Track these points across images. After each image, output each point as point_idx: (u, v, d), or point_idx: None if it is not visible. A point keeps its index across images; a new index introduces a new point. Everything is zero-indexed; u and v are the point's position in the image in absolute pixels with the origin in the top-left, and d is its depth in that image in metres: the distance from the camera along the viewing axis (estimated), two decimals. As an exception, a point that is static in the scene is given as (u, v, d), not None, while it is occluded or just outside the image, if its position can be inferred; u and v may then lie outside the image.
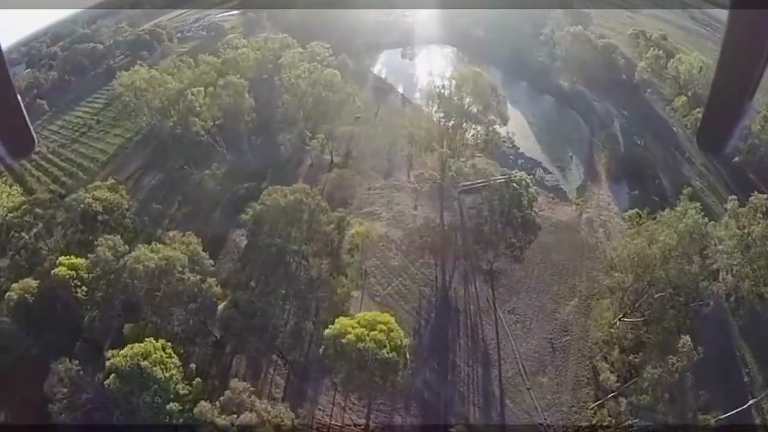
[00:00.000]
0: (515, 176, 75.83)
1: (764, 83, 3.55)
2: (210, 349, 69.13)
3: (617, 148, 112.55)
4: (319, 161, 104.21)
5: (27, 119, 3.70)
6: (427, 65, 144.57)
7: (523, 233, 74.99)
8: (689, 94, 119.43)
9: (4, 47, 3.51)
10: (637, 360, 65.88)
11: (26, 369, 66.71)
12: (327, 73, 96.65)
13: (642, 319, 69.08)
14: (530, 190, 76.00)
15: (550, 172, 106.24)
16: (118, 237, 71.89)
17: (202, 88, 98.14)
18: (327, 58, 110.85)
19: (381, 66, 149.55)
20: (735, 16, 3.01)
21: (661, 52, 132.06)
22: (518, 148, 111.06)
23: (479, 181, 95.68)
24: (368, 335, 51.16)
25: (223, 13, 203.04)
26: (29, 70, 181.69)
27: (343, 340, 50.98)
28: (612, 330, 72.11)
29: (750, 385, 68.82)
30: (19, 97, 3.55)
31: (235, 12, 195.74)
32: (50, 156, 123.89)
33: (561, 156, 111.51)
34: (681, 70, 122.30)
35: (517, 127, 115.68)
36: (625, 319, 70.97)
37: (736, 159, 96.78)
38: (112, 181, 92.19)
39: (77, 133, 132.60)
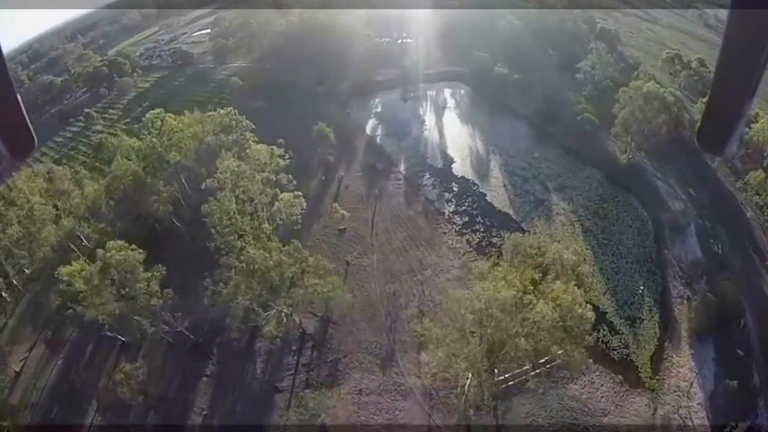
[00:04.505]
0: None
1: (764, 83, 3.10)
2: None
3: (697, 277, 66.48)
4: (285, 331, 56.30)
5: (27, 119, 3.14)
6: (434, 119, 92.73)
7: None
8: (765, 164, 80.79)
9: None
10: None
11: None
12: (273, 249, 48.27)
13: None
14: None
15: (617, 331, 60.57)
16: None
17: (77, 267, 50.86)
18: (282, 165, 63.57)
19: (376, 121, 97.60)
20: (735, 16, 2.60)
21: None
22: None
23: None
24: None
25: (199, 31, 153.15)
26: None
27: None
28: None
29: None
30: (19, 97, 3.01)
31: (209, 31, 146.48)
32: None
33: (629, 293, 65.10)
34: (755, 130, 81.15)
35: (567, 236, 70.93)
36: None
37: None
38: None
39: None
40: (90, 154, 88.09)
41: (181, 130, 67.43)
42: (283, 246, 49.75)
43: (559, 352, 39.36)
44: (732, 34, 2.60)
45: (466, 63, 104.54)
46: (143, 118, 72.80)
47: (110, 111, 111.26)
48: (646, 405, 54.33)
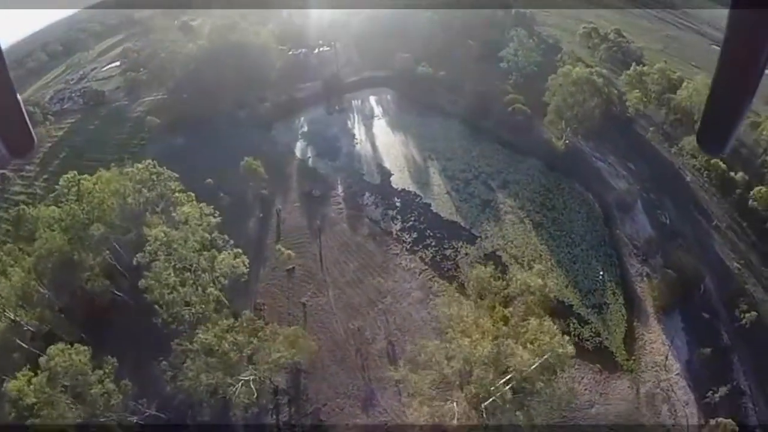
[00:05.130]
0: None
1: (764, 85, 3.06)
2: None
3: (652, 252, 68.12)
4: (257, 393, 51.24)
5: (27, 118, 3.15)
6: (364, 131, 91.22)
7: None
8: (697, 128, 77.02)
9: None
10: None
11: None
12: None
13: None
14: None
15: (586, 321, 60.65)
16: None
17: (24, 380, 46.02)
18: (213, 224, 58.99)
19: (304, 142, 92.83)
20: (735, 16, 2.54)
21: (644, 67, 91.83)
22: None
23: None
24: None
25: (108, 65, 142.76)
26: None
27: None
28: None
29: None
30: (18, 97, 3.03)
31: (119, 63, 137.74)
32: None
33: (590, 280, 65.39)
34: (683, 96, 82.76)
35: (519, 234, 70.58)
36: None
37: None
38: None
39: None
40: (12, 222, 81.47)
41: (102, 191, 62.42)
42: (236, 320, 46.44)
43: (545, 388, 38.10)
44: (732, 34, 2.54)
45: (389, 66, 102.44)
46: (59, 183, 66.61)
47: (26, 168, 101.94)
48: (628, 387, 55.57)
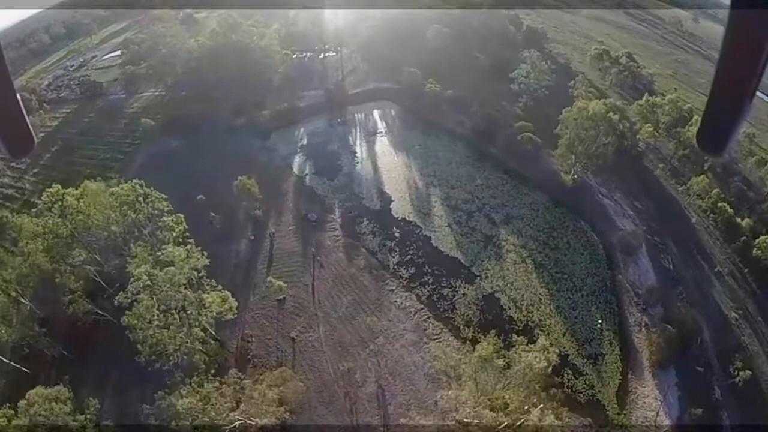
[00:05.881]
0: None
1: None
2: None
3: (653, 302, 66.02)
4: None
5: (27, 119, 3.19)
6: (366, 148, 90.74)
7: None
8: (706, 167, 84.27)
9: None
10: None
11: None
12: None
13: None
14: None
15: (581, 372, 59.23)
16: None
17: (2, 422, 45.11)
18: (200, 265, 54.73)
19: (303, 157, 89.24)
20: (735, 16, 2.58)
21: (656, 98, 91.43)
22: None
23: None
24: None
25: (109, 54, 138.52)
26: None
27: None
28: None
29: None
30: (18, 97, 3.07)
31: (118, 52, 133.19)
32: None
33: (588, 329, 63.64)
34: (693, 132, 77.54)
35: (519, 276, 68.34)
36: None
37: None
38: None
39: None
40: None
41: (88, 205, 59.87)
42: (221, 382, 44.46)
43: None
44: (732, 34, 2.57)
45: (395, 78, 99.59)
46: (42, 198, 63.71)
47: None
48: (619, 444, 55.68)
